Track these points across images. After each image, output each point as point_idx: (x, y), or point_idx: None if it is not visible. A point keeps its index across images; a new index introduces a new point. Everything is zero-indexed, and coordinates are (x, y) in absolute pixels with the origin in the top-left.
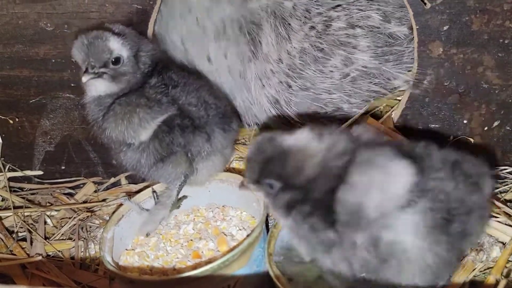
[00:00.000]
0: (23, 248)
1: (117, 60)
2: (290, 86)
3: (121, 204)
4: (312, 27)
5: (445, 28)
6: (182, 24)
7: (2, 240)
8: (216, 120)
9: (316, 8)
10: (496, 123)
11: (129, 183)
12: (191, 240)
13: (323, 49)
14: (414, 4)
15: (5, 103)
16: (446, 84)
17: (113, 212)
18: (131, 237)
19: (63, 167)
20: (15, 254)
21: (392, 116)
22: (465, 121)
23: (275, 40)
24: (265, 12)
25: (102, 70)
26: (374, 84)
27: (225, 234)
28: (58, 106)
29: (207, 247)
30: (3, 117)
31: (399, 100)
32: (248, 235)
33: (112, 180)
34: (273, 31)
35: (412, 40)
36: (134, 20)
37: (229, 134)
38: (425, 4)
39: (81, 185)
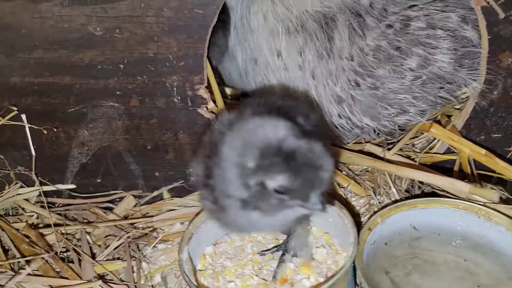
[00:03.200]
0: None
1: None
2: (358, 85)
3: (190, 222)
4: (389, 25)
5: None
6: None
7: (47, 261)
8: None
9: (393, 7)
10: None
11: (172, 196)
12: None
13: (400, 47)
14: (486, 13)
15: (40, 113)
16: None
17: (185, 230)
18: (199, 256)
19: (98, 180)
20: (66, 278)
21: (455, 124)
22: None
23: (348, 36)
24: (340, 8)
25: None
26: (443, 90)
27: None
28: (99, 116)
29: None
30: (37, 127)
31: (457, 109)
32: (350, 256)
33: (155, 193)
34: (347, 27)
35: None
36: (194, 25)
37: None
38: (498, 14)
39: (118, 199)
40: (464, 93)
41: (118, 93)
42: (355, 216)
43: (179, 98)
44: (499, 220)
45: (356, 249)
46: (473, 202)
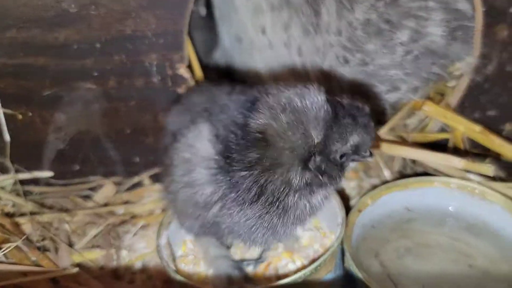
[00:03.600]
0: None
1: None
2: (347, 61)
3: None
4: None
5: (511, 10)
6: None
7: (22, 249)
8: None
9: None
10: None
11: (153, 182)
12: None
13: (390, 20)
14: None
15: (14, 96)
16: (508, 69)
17: (163, 215)
18: (180, 243)
19: (77, 167)
20: (41, 266)
21: (448, 102)
22: None
23: (336, 10)
24: None
25: None
26: (436, 65)
27: None
28: (76, 99)
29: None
30: (11, 112)
31: (450, 87)
32: (336, 239)
33: (136, 179)
34: (334, 1)
35: None
36: (173, 0)
37: None
38: None
39: (98, 186)
40: (458, 69)
41: (95, 74)
42: (345, 200)
43: (159, 78)
44: (494, 199)
45: (343, 231)
46: (467, 181)
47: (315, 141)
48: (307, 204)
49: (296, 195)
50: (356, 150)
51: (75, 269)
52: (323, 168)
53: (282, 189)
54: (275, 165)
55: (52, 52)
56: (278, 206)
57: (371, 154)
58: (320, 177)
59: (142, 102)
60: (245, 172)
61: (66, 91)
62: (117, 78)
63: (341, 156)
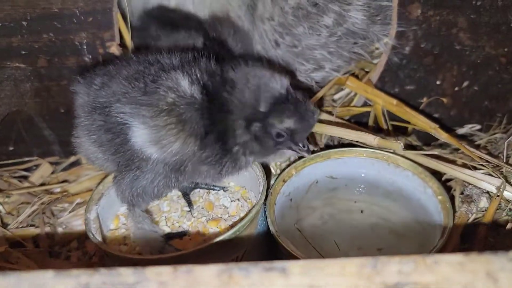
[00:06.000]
0: None
1: None
2: (277, 44)
3: (100, 182)
4: None
5: None
6: None
7: None
8: None
9: None
10: (465, 84)
11: None
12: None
13: (317, 4)
14: None
15: None
16: (422, 46)
17: (93, 190)
18: (112, 217)
19: (10, 147)
20: None
21: (370, 78)
22: (438, 82)
23: None
24: None
25: None
26: (357, 45)
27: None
28: (5, 78)
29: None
30: None
31: (374, 63)
32: (254, 205)
33: (72, 158)
34: None
35: None
36: None
37: None
38: None
39: (34, 167)
40: (377, 48)
41: (23, 52)
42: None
43: (90, 56)
44: (406, 166)
45: (263, 198)
46: (382, 150)
47: (261, 109)
48: (238, 161)
49: (236, 148)
50: (292, 136)
51: (3, 247)
52: (258, 136)
53: (228, 133)
54: (230, 111)
55: None
56: (221, 147)
57: (308, 150)
58: (254, 143)
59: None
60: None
61: None
62: (47, 57)
63: (278, 135)
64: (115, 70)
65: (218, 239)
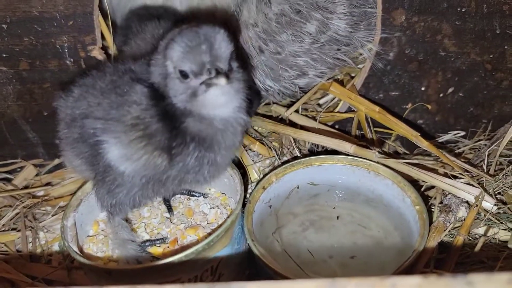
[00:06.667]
0: None
1: None
2: (262, 51)
3: (79, 188)
4: None
5: None
6: None
7: None
8: None
9: None
10: (450, 90)
11: None
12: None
13: (300, 11)
14: None
15: None
16: (407, 52)
17: (72, 196)
18: (91, 223)
19: None
20: None
21: (355, 84)
22: (422, 88)
23: (256, 5)
24: None
25: None
26: (340, 52)
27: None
28: None
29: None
30: None
31: (360, 69)
32: (229, 215)
33: (57, 161)
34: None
35: None
36: None
37: None
38: None
39: (18, 169)
40: (361, 54)
41: (4, 55)
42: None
43: (71, 60)
44: (386, 174)
45: (238, 208)
46: (363, 158)
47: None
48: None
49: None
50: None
51: None
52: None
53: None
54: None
55: None
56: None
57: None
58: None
59: (57, 84)
60: None
61: None
62: (28, 60)
63: (183, 75)
64: (92, 80)
65: (190, 250)
